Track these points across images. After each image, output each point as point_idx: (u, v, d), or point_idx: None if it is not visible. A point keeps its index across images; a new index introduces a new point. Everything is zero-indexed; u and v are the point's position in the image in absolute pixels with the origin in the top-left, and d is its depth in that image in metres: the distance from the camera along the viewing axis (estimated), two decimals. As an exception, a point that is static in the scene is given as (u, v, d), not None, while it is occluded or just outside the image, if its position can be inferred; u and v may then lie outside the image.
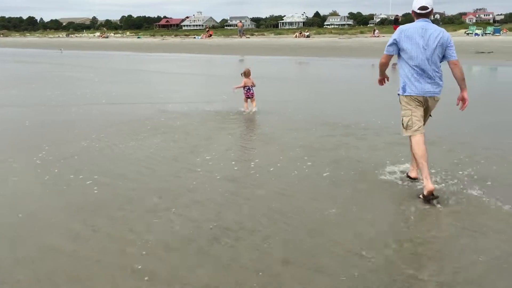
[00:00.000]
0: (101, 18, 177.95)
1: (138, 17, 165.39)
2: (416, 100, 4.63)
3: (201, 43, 42.22)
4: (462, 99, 4.73)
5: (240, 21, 61.38)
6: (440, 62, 4.60)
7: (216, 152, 6.19)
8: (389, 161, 5.56)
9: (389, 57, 4.77)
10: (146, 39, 59.51)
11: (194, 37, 56.64)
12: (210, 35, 53.24)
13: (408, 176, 5.01)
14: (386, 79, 5.12)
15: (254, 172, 5.31)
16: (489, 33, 38.64)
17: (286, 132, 7.32)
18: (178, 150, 6.35)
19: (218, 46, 38.06)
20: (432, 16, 4.76)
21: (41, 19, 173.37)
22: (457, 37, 37.13)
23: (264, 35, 70.93)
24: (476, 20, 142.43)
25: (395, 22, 38.75)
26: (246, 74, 9.24)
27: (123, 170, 5.49)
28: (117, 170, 5.50)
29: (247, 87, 9.17)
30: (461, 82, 4.65)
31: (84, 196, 4.63)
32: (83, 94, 12.36)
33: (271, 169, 5.42)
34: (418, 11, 4.62)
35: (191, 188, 4.79)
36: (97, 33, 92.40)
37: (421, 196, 4.45)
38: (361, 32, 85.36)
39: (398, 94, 4.76)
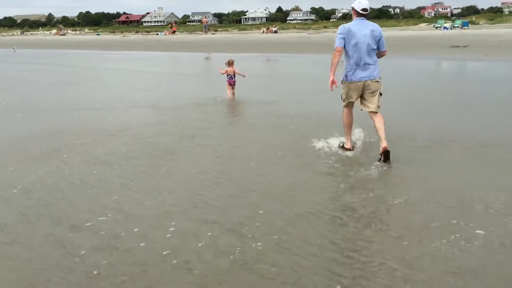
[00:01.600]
0: (58, 15, 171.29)
1: (97, 13, 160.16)
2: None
3: (165, 40, 40.55)
4: None
5: (205, 17, 59.85)
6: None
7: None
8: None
9: (342, 50, 5.58)
10: (106, 36, 57.07)
11: (157, 34, 54.74)
12: (174, 32, 51.54)
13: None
14: (335, 82, 5.65)
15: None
16: (458, 27, 38.68)
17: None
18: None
19: (183, 43, 36.55)
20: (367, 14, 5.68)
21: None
22: (426, 31, 37.17)
23: (228, 30, 69.71)
24: (434, 14, 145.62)
25: None
26: (230, 63, 10.08)
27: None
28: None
29: (230, 76, 10.03)
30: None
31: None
32: (32, 99, 10.87)
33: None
34: (361, 11, 5.55)
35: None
36: (54, 30, 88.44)
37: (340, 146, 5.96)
38: (325, 27, 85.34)
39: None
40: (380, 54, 5.70)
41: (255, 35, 41.35)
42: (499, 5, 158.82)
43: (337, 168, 5.21)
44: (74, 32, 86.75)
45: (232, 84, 10.08)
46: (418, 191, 4.42)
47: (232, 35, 44.38)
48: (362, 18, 5.57)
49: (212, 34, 47.44)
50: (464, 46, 22.83)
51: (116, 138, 6.85)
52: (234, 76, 10.06)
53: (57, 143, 6.59)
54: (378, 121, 5.55)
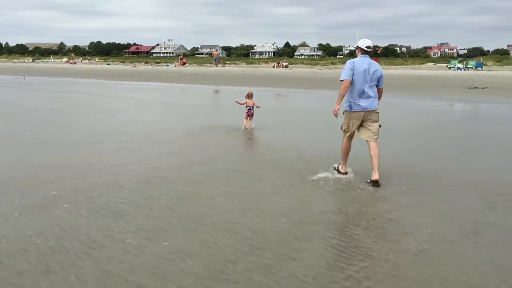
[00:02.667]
0: (69, 44, 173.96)
1: (108, 43, 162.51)
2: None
3: (176, 72, 40.37)
4: None
5: (216, 50, 60.12)
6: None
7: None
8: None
9: (350, 83, 6.12)
10: (117, 66, 57.26)
11: (167, 65, 54.82)
12: (184, 63, 51.59)
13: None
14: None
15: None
16: (471, 68, 38.27)
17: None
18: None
19: (194, 75, 36.29)
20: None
21: (6, 43, 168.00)
22: (440, 71, 36.73)
23: (237, 64, 70.00)
24: (440, 54, 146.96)
25: (375, 54, 38.34)
26: (249, 96, 10.63)
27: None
28: None
29: (249, 107, 10.53)
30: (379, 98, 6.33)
31: None
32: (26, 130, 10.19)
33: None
34: (365, 49, 6.20)
35: None
36: (64, 59, 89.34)
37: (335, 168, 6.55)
38: (332, 63, 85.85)
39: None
40: (379, 91, 6.29)
41: (266, 69, 41.14)
42: (505, 47, 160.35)
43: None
44: (85, 61, 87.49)
45: (250, 115, 10.59)
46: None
47: (243, 68, 44.21)
48: (366, 55, 6.24)
49: (222, 67, 47.34)
50: (482, 88, 22.22)
51: (128, 178, 6.11)
52: (253, 108, 10.56)
53: (61, 185, 5.85)
54: (374, 148, 6.12)
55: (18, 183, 5.97)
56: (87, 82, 31.18)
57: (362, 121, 6.21)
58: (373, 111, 6.19)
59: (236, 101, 10.83)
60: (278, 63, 46.44)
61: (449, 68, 39.90)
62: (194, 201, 5.31)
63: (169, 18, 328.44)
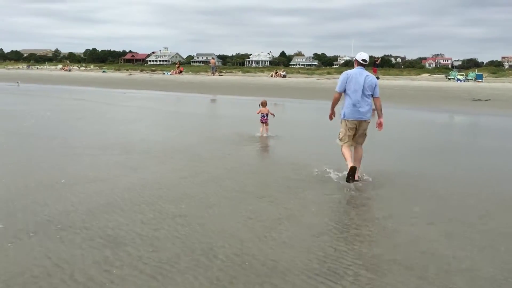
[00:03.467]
0: (64, 50, 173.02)
1: (103, 51, 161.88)
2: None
3: (173, 80, 39.81)
4: (380, 124, 6.71)
5: (213, 58, 59.66)
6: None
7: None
8: None
9: (341, 94, 6.72)
10: (112, 74, 56.59)
11: (164, 73, 54.26)
12: (181, 72, 51.02)
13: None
14: (334, 114, 6.95)
15: None
16: (471, 79, 37.97)
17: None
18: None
19: (191, 84, 35.74)
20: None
21: (1, 49, 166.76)
22: (438, 82, 36.33)
23: (233, 72, 69.54)
24: (435, 65, 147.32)
25: (374, 64, 38.01)
26: (263, 104, 11.14)
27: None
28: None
29: (263, 115, 10.99)
30: (379, 112, 6.71)
31: None
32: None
33: None
34: (361, 62, 6.66)
35: None
36: (59, 66, 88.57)
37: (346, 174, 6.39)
38: (328, 73, 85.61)
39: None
40: (375, 100, 6.70)
41: (264, 79, 40.65)
42: (499, 58, 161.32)
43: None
44: (81, 68, 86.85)
45: (263, 122, 11.00)
46: None
47: (240, 77, 43.73)
48: (362, 67, 6.70)
49: (220, 75, 46.85)
50: (486, 100, 21.83)
51: (128, 200, 5.54)
52: (267, 115, 11.00)
53: (52, 208, 5.26)
54: (358, 152, 6.81)
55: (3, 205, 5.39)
56: (85, 90, 30.53)
57: (357, 130, 6.67)
58: (365, 121, 6.67)
59: (257, 112, 11.26)
60: (276, 73, 45.98)
61: (449, 79, 39.58)
62: (204, 228, 4.74)
63: (164, 26, 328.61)
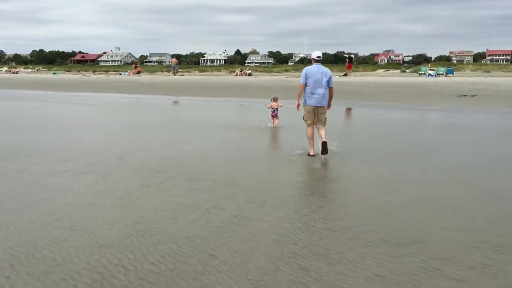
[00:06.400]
0: (9, 52, 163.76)
1: (51, 52, 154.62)
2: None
3: (132, 81, 37.39)
4: (328, 107, 8.60)
5: (175, 58, 57.25)
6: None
7: None
8: None
9: (304, 86, 8.42)
10: (64, 75, 53.12)
11: (120, 74, 51.49)
12: (139, 72, 48.50)
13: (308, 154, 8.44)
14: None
15: None
16: (442, 74, 37.80)
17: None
18: None
19: (153, 85, 33.57)
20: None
21: None
22: (411, 77, 35.65)
23: (190, 71, 67.47)
24: (387, 61, 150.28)
25: (350, 60, 37.33)
26: (274, 99, 12.44)
27: None
28: None
29: (273, 109, 12.34)
30: (330, 99, 8.58)
31: None
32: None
33: None
34: (316, 58, 8.42)
35: None
36: (5, 68, 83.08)
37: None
38: (286, 70, 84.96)
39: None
40: (329, 89, 8.38)
41: (229, 78, 38.99)
42: (447, 53, 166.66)
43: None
44: (27, 70, 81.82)
45: (274, 116, 12.38)
46: None
47: (204, 77, 41.76)
48: (318, 63, 8.36)
49: (181, 75, 44.76)
50: (472, 96, 21.18)
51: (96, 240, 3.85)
52: (277, 109, 12.36)
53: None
54: (322, 131, 8.33)
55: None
56: (42, 95, 27.76)
57: (315, 113, 8.31)
58: (322, 106, 8.35)
59: (265, 104, 12.83)
60: (241, 71, 44.41)
61: (420, 74, 39.33)
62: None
63: (114, 25, 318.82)
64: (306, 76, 8.25)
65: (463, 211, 5.22)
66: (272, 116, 12.39)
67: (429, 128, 13.53)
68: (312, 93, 8.20)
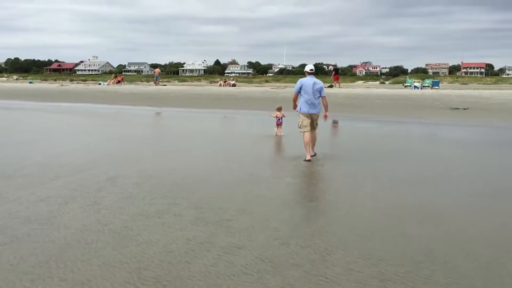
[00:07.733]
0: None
1: (26, 60, 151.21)
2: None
3: (112, 91, 36.18)
4: (325, 116, 9.56)
5: (158, 68, 56.18)
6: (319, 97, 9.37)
7: None
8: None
9: (297, 95, 9.47)
10: (41, 84, 51.48)
11: (99, 83, 50.09)
12: (119, 81, 47.24)
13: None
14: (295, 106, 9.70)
15: None
16: (428, 86, 37.67)
17: None
18: None
19: (135, 95, 32.52)
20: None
21: None
22: (398, 89, 35.02)
23: (170, 81, 66.31)
24: (365, 73, 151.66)
25: (336, 72, 36.93)
26: (279, 109, 13.16)
27: None
28: None
29: (278, 118, 13.03)
30: (326, 107, 9.43)
31: None
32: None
33: None
34: (309, 71, 9.44)
35: None
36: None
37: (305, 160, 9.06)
38: (266, 81, 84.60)
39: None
40: (322, 99, 9.36)
41: (213, 88, 38.12)
42: (423, 66, 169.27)
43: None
44: (2, 78, 79.38)
45: (278, 124, 13.05)
46: None
47: (187, 87, 40.76)
48: (311, 75, 9.40)
49: (163, 85, 43.72)
50: (464, 109, 20.82)
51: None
52: (281, 118, 13.06)
53: None
54: (313, 135, 9.44)
55: None
56: (18, 105, 26.41)
57: (309, 119, 9.21)
58: (315, 114, 9.29)
59: (271, 114, 13.50)
60: (225, 81, 43.57)
61: (405, 86, 39.14)
62: None
63: (91, 35, 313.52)
64: (300, 87, 9.25)
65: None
66: (277, 124, 13.04)
67: (447, 145, 11.86)
68: (307, 102, 9.16)
